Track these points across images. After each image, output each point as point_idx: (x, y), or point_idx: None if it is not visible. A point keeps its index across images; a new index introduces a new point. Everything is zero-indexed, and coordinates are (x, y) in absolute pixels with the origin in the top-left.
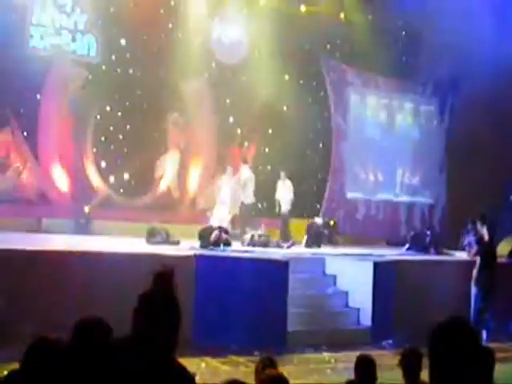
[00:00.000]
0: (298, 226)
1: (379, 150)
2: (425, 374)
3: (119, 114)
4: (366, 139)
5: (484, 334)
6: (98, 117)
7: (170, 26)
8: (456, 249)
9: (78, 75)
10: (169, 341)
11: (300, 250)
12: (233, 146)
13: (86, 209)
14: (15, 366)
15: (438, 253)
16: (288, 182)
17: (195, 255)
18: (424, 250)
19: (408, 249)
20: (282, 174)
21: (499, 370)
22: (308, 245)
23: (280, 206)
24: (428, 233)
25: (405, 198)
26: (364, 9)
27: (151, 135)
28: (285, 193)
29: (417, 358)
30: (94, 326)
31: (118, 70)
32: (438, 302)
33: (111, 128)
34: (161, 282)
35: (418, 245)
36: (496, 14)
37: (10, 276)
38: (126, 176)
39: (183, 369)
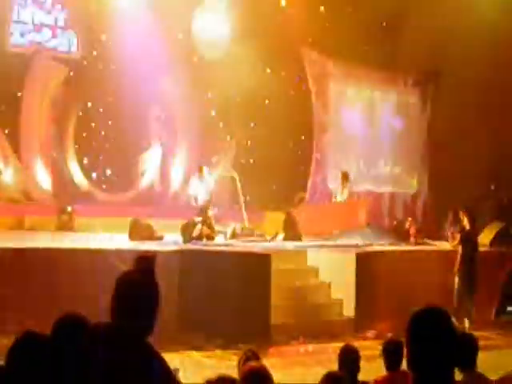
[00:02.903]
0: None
1: (361, 141)
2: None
3: (101, 109)
4: (347, 131)
5: (466, 323)
6: (80, 113)
7: (151, 20)
8: (438, 238)
9: (59, 72)
10: (146, 325)
11: (282, 242)
12: (215, 140)
13: (69, 208)
14: None
15: (418, 242)
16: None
17: (178, 250)
18: (404, 239)
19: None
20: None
21: (482, 357)
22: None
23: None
24: (410, 219)
25: (387, 189)
26: (344, 1)
27: (133, 130)
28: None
29: (398, 347)
30: (71, 324)
31: (100, 65)
32: (421, 292)
33: (93, 124)
34: (142, 265)
35: (399, 234)
36: None
37: None
38: (109, 172)
39: (160, 359)
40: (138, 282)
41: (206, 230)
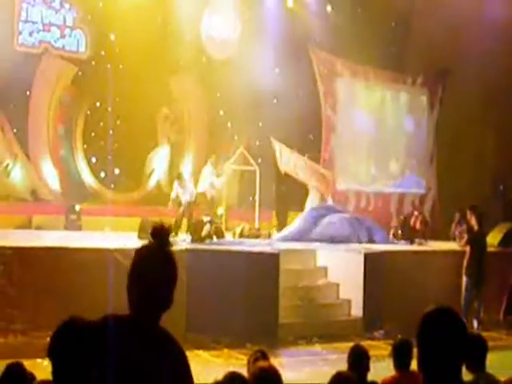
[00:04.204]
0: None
1: (370, 141)
2: (415, 364)
3: (109, 109)
4: (356, 130)
5: (475, 323)
6: (88, 112)
7: (160, 21)
8: (446, 238)
9: (67, 71)
10: (165, 306)
11: (291, 242)
12: (223, 140)
13: (77, 207)
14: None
15: (424, 237)
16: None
17: (187, 249)
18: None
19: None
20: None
21: (490, 358)
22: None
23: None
24: (416, 214)
25: (398, 190)
26: (353, 1)
27: (141, 130)
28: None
29: (407, 348)
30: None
31: (108, 65)
32: (429, 293)
33: (101, 123)
34: (158, 236)
35: (405, 230)
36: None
37: (4, 273)
38: (117, 171)
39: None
40: (159, 257)
41: (214, 230)
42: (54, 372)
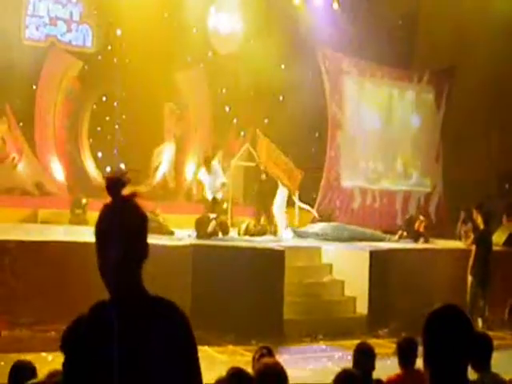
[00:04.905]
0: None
1: (377, 139)
2: (420, 362)
3: (115, 104)
4: (363, 128)
5: (480, 322)
6: (94, 107)
7: (166, 15)
8: (452, 237)
9: (73, 65)
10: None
11: (296, 239)
12: (229, 136)
13: (84, 200)
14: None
15: (427, 241)
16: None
17: (192, 245)
18: (414, 237)
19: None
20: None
21: (496, 357)
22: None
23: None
24: (422, 218)
25: (403, 188)
26: None
27: (147, 125)
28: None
29: (412, 346)
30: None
31: (114, 59)
32: (434, 291)
33: (107, 118)
34: (113, 188)
35: (409, 231)
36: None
37: (10, 267)
38: (123, 166)
39: None
40: (110, 210)
41: (220, 225)
42: (67, 364)
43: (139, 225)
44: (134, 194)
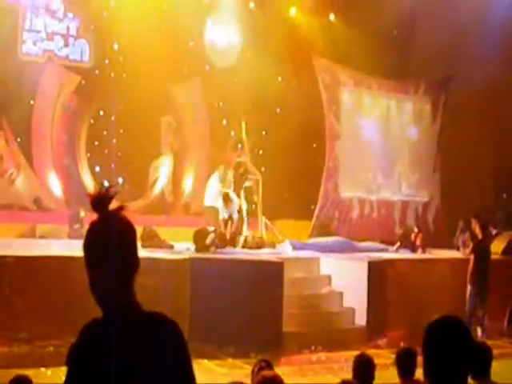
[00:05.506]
0: (291, 227)
1: (375, 150)
2: (420, 373)
3: (112, 118)
4: (360, 139)
5: (479, 331)
6: (92, 121)
7: (163, 29)
8: (450, 247)
9: (70, 80)
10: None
11: (295, 251)
12: (226, 149)
13: (82, 213)
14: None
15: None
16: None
17: (190, 258)
18: (412, 248)
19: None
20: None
21: (495, 366)
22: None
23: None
24: (416, 230)
25: (402, 198)
26: (354, 9)
27: (145, 139)
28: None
29: (412, 356)
30: None
31: (111, 74)
32: (433, 301)
33: (105, 132)
34: (99, 207)
35: (406, 243)
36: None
37: (8, 282)
38: (120, 180)
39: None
40: (98, 227)
41: (218, 238)
42: (67, 380)
43: (127, 238)
44: (120, 208)
